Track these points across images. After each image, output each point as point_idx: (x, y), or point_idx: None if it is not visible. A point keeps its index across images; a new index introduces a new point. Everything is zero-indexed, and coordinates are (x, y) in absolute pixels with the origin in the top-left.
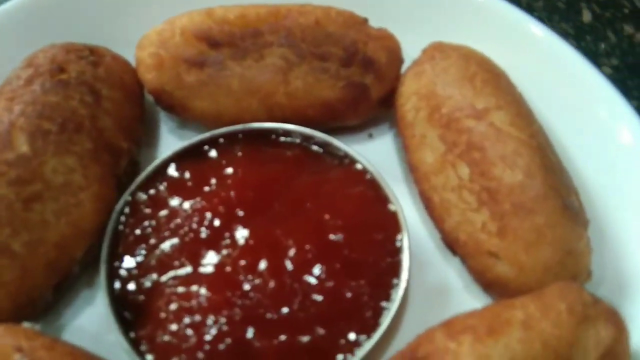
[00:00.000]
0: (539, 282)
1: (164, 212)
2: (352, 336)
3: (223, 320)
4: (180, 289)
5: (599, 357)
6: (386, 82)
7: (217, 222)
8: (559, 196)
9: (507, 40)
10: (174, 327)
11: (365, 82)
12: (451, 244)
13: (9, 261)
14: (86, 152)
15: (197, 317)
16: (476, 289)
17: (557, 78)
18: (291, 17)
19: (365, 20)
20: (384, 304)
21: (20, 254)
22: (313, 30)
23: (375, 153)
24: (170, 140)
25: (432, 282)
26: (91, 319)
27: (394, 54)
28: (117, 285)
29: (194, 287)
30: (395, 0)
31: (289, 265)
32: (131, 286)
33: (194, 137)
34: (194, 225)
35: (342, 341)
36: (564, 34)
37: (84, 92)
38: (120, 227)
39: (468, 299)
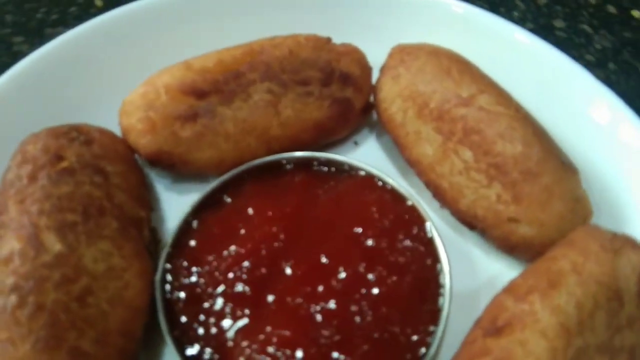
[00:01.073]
0: (559, 232)
1: (204, 269)
2: (420, 333)
3: (300, 354)
4: (251, 339)
5: (635, 286)
6: (364, 92)
7: (258, 265)
8: (555, 156)
9: (457, 32)
10: None
11: (347, 95)
12: (469, 220)
13: None
14: (115, 232)
15: (273, 353)
16: (494, 255)
17: (511, 60)
18: (266, 52)
19: (329, 39)
20: (439, 290)
21: (93, 353)
22: (289, 60)
23: (365, 157)
24: (170, 197)
25: (456, 255)
26: None
27: (364, 65)
28: (189, 353)
29: (265, 331)
30: (341, 14)
31: (341, 284)
32: (202, 351)
33: (196, 188)
34: (238, 273)
35: (414, 337)
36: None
37: (91, 174)
38: (168, 295)
39: (492, 263)
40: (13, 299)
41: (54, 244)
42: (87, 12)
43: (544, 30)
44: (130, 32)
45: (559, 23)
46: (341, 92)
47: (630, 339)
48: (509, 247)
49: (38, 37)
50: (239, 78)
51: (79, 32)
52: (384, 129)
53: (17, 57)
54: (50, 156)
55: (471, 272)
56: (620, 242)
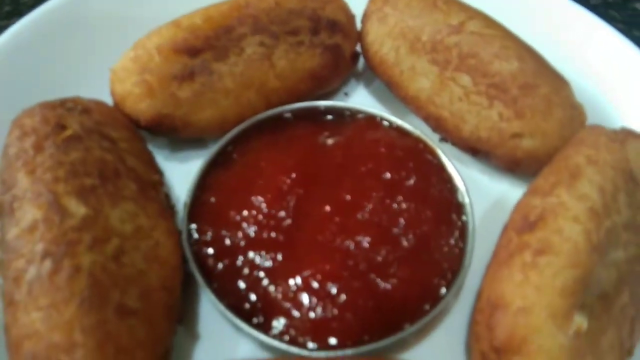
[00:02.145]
0: (561, 139)
1: (229, 222)
2: (451, 248)
3: (343, 285)
4: (291, 280)
5: None
6: (352, 38)
7: (283, 210)
8: (548, 66)
9: None
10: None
11: (337, 42)
12: (473, 145)
13: (135, 320)
14: (135, 193)
15: (320, 282)
16: (498, 177)
17: None
18: (251, 5)
19: None
20: (460, 209)
21: (140, 308)
22: (276, 12)
23: (365, 107)
24: (172, 167)
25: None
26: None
27: (347, 11)
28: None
29: (304, 270)
30: None
31: (368, 216)
32: (243, 301)
33: (200, 154)
34: (264, 222)
35: (446, 253)
36: None
37: (98, 140)
38: (197, 252)
39: (497, 186)
40: (47, 264)
41: (78, 208)
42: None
43: None
44: (103, 5)
45: None
46: (330, 39)
47: None
48: (514, 163)
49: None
50: (229, 33)
51: (48, 9)
52: (374, 74)
53: None
54: (52, 126)
55: (479, 196)
56: (623, 134)
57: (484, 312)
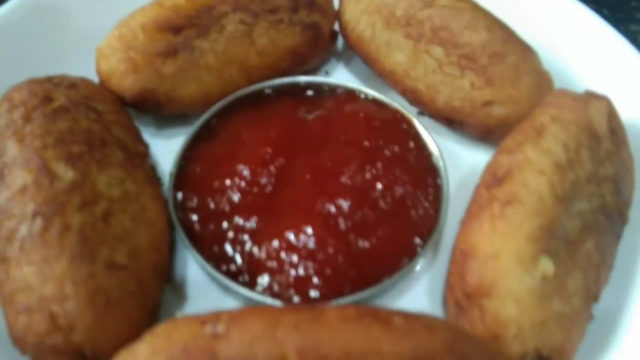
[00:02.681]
0: (529, 105)
1: (213, 190)
2: (427, 209)
3: (325, 245)
4: (275, 241)
5: (606, 126)
6: (330, 16)
7: (265, 178)
8: (516, 36)
9: None
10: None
11: (316, 20)
12: (447, 116)
13: (124, 274)
14: (122, 160)
15: (302, 240)
16: (473, 147)
17: None
18: None
19: None
20: (435, 173)
21: (129, 264)
22: None
23: (344, 82)
24: (158, 143)
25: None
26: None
27: None
28: (217, 261)
29: (287, 232)
30: None
31: (348, 181)
32: (229, 263)
33: (184, 128)
34: (247, 189)
35: (422, 214)
36: None
37: (85, 112)
38: (183, 218)
39: (471, 155)
40: (38, 223)
41: (66, 172)
42: None
43: None
44: None
45: None
46: (309, 17)
47: (611, 169)
48: (486, 131)
49: None
50: (210, 11)
51: None
52: (353, 53)
53: None
54: (40, 99)
55: (455, 164)
56: (586, 96)
57: (457, 263)
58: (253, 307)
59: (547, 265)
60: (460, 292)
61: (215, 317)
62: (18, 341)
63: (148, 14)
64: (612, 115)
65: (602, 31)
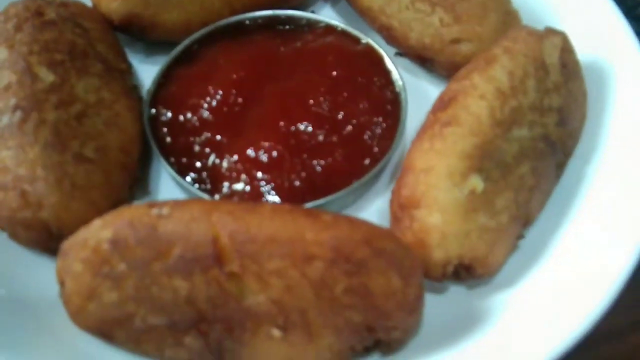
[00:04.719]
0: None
1: (187, 107)
2: (384, 134)
3: (281, 159)
4: (236, 154)
5: (558, 60)
6: None
7: (236, 98)
8: None
9: None
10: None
11: None
12: (420, 53)
13: (91, 166)
14: (101, 72)
15: (263, 156)
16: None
17: None
18: None
19: None
20: (397, 99)
21: (96, 159)
22: None
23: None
24: (143, 68)
25: (413, 92)
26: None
27: None
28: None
29: (248, 146)
30: None
31: (313, 106)
32: (196, 173)
33: (168, 53)
34: (218, 107)
35: (379, 133)
36: None
37: (72, 27)
38: (156, 131)
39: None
40: (18, 114)
41: (47, 75)
42: None
43: None
44: None
45: None
46: None
47: (557, 101)
48: (455, 68)
49: None
50: None
51: None
52: None
53: None
54: (32, 12)
55: (426, 103)
56: (544, 31)
57: (398, 179)
58: (198, 199)
59: (476, 182)
60: (396, 204)
61: (163, 203)
62: None
63: None
64: (565, 49)
65: None
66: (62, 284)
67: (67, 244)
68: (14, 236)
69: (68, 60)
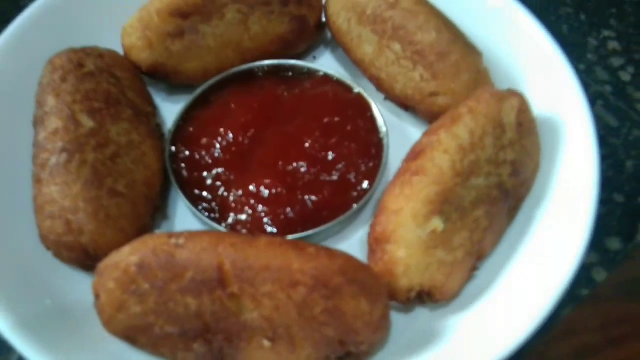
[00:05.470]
0: (467, 97)
1: (201, 146)
2: (369, 175)
3: (279, 195)
4: (240, 188)
5: (514, 120)
6: (316, 10)
7: (243, 140)
8: (461, 39)
9: None
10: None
11: (303, 13)
12: (404, 102)
13: (122, 199)
14: (131, 117)
15: (264, 192)
16: (425, 128)
17: None
18: None
19: None
20: (380, 148)
21: (126, 193)
22: None
23: (323, 68)
24: (166, 106)
25: (397, 133)
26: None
27: None
28: (197, 201)
29: (251, 182)
30: None
31: (307, 149)
32: (206, 202)
33: (188, 96)
34: (227, 147)
35: (362, 180)
36: None
37: (107, 77)
38: (175, 166)
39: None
40: (64, 156)
41: (88, 122)
42: None
43: None
44: None
45: None
46: (297, 10)
47: (512, 155)
48: (433, 117)
49: None
50: (214, 1)
51: None
52: (335, 41)
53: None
54: (74, 64)
55: (408, 143)
56: (505, 92)
57: (375, 217)
58: (208, 231)
59: (437, 223)
60: (372, 238)
61: (179, 234)
62: (43, 239)
63: (163, 1)
64: (522, 110)
65: (541, 42)
66: (97, 297)
67: (102, 265)
68: (58, 256)
69: (104, 108)
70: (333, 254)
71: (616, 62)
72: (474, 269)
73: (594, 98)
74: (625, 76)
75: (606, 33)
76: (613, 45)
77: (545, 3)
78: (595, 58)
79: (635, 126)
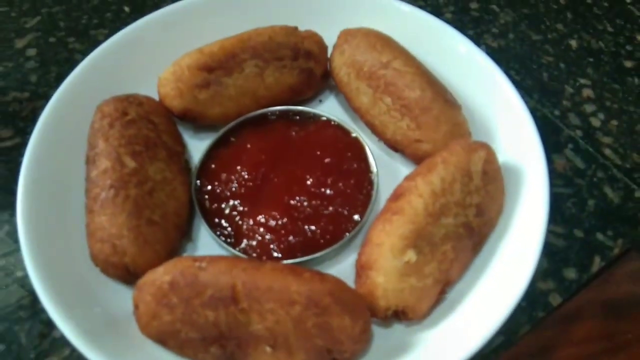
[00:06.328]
0: (446, 144)
1: (221, 181)
2: (362, 209)
3: (284, 225)
4: (252, 218)
5: (481, 169)
6: (322, 63)
7: (255, 177)
8: (442, 96)
9: (387, 18)
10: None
11: (310, 66)
12: (393, 145)
13: (157, 227)
14: (165, 157)
15: (271, 222)
16: (412, 167)
17: (420, 36)
18: (252, 39)
19: (296, 28)
20: (371, 186)
21: (160, 222)
22: (268, 44)
23: (327, 110)
24: (194, 143)
25: (387, 170)
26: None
27: (321, 44)
28: (217, 228)
29: (261, 213)
30: (304, 9)
31: (309, 185)
32: (223, 228)
33: (212, 135)
34: (243, 182)
35: (355, 214)
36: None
37: (146, 123)
38: (199, 197)
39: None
40: (112, 192)
41: (130, 163)
42: (119, 16)
43: (461, 11)
44: (158, 34)
45: (473, 5)
46: (306, 64)
47: (477, 199)
48: (418, 159)
49: (86, 37)
50: (235, 57)
51: (126, 33)
52: (338, 89)
53: (72, 53)
54: (120, 112)
55: (397, 179)
56: (476, 145)
57: (361, 248)
58: (226, 256)
59: (411, 256)
60: (359, 265)
61: (202, 258)
62: (94, 259)
63: (192, 57)
64: (488, 160)
65: (513, 100)
66: (136, 307)
67: (141, 282)
68: (106, 272)
69: (144, 151)
70: (324, 278)
71: (589, 108)
72: (443, 292)
73: (565, 142)
74: (596, 122)
75: (582, 81)
76: (587, 92)
77: (528, 52)
78: (569, 104)
79: (600, 168)
